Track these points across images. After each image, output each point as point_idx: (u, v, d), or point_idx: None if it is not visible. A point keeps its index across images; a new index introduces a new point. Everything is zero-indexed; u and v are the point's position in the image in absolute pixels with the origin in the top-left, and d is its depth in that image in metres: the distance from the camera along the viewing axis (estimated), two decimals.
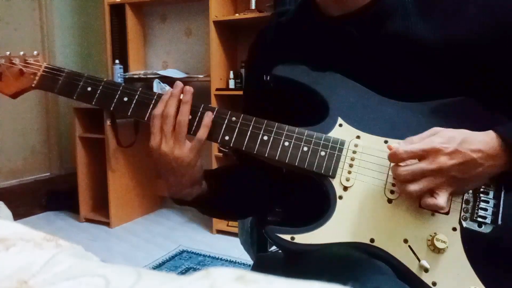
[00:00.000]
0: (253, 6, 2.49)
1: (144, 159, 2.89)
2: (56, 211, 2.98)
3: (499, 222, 0.61)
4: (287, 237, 0.64)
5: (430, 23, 0.67)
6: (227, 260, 2.22)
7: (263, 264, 0.93)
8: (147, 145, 0.70)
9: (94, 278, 0.25)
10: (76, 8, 3.63)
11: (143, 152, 2.86)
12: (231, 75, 2.57)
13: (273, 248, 1.01)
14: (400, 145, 0.60)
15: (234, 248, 2.34)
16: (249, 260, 1.05)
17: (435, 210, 0.61)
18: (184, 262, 2.21)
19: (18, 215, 2.77)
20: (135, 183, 2.89)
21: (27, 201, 3.04)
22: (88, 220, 2.82)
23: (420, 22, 0.68)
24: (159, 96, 0.72)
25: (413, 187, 0.58)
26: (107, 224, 2.72)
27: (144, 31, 3.07)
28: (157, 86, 2.64)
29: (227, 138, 0.70)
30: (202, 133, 0.69)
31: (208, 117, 0.70)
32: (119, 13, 2.89)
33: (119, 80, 2.76)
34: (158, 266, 2.17)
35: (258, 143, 0.69)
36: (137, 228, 2.74)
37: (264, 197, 0.86)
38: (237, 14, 2.56)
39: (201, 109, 0.71)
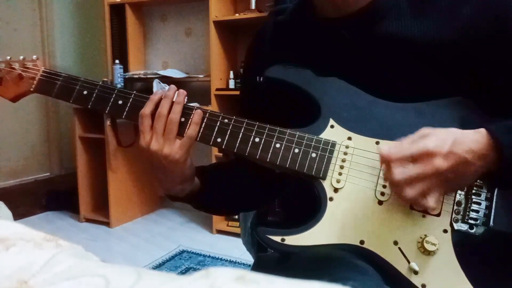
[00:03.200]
0: (253, 6, 2.49)
1: (144, 159, 2.89)
2: (56, 211, 2.98)
3: (491, 223, 0.61)
4: (277, 238, 0.64)
5: (425, 23, 0.67)
6: (227, 260, 2.22)
7: (263, 264, 0.92)
8: None
9: (94, 278, 0.25)
10: (76, 8, 3.63)
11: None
12: (231, 75, 2.57)
13: None
14: (391, 148, 0.58)
15: (234, 248, 2.34)
16: (249, 260, 1.05)
17: (425, 211, 0.61)
18: (184, 262, 2.21)
19: (18, 215, 2.77)
20: (135, 183, 2.89)
21: (27, 201, 3.04)
22: (88, 220, 2.82)
23: (415, 23, 0.68)
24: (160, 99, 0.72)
25: (410, 192, 0.56)
26: (107, 224, 2.72)
27: (144, 31, 3.07)
28: (157, 86, 2.64)
29: (219, 140, 0.70)
30: (192, 130, 0.70)
31: (197, 115, 0.70)
32: (119, 13, 2.89)
33: (119, 80, 2.77)
34: (158, 266, 2.17)
35: (249, 145, 0.69)
36: (137, 228, 2.74)
37: (257, 194, 0.86)
38: (237, 14, 2.55)
39: (193, 111, 0.71)
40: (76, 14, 3.63)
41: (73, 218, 2.87)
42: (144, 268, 0.28)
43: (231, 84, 2.57)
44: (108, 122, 2.61)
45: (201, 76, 2.73)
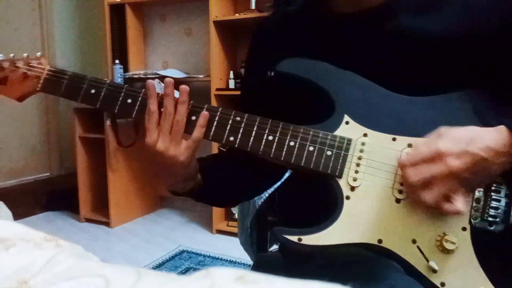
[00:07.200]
0: (253, 6, 2.49)
1: (144, 159, 2.89)
2: (56, 211, 2.98)
3: (511, 221, 0.60)
4: (294, 238, 0.63)
5: (439, 18, 0.67)
6: (227, 260, 2.22)
7: (263, 264, 0.92)
8: None
9: (94, 278, 0.25)
10: (76, 8, 3.63)
11: (143, 152, 2.86)
12: (231, 75, 2.57)
13: (273, 248, 1.00)
14: (407, 154, 0.59)
15: (234, 248, 2.34)
16: (249, 260, 1.05)
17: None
18: (184, 262, 2.21)
19: (18, 215, 2.76)
20: (135, 183, 2.88)
21: (27, 201, 3.04)
22: (88, 220, 2.82)
23: (432, 17, 0.67)
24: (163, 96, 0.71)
25: (428, 196, 0.56)
26: (107, 224, 2.72)
27: (144, 31, 3.07)
28: (157, 86, 2.64)
29: (231, 139, 0.69)
30: (197, 133, 0.68)
31: (203, 117, 0.69)
32: (119, 13, 2.89)
33: (119, 80, 2.76)
34: (158, 266, 2.17)
35: (263, 143, 0.67)
36: (137, 228, 2.74)
37: (253, 182, 0.85)
38: (237, 14, 2.55)
39: (203, 110, 0.69)
40: (76, 14, 3.63)
41: (73, 218, 2.87)
42: (144, 268, 0.28)
43: (231, 84, 2.56)
44: (108, 122, 2.61)
45: (201, 76, 2.73)
